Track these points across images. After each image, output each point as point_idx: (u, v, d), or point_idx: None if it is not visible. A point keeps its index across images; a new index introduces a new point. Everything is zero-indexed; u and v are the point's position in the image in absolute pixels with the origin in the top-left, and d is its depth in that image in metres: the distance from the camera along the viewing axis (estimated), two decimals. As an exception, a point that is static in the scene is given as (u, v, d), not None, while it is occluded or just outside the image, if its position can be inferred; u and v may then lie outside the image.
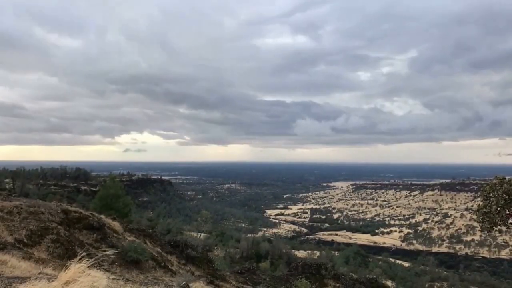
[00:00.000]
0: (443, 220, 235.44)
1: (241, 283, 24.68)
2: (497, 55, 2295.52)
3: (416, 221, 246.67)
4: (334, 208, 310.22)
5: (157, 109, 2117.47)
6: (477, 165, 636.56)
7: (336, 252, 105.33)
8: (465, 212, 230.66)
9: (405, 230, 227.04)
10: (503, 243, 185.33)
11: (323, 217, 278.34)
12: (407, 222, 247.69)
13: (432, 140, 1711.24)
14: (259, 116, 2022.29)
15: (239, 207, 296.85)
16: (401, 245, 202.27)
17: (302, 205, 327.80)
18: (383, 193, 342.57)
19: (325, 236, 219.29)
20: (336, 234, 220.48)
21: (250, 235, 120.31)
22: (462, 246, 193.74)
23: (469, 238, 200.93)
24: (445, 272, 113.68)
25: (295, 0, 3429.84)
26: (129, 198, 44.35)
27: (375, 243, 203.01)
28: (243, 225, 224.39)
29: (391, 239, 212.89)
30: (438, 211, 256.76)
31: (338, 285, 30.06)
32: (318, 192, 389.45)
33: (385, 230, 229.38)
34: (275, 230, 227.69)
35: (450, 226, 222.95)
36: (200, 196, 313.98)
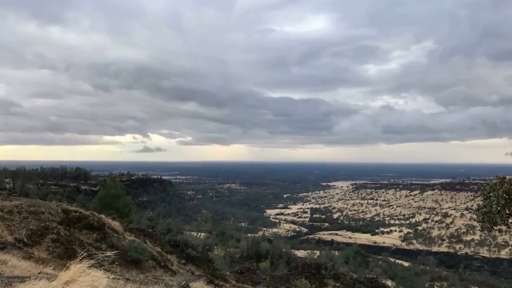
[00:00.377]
0: (443, 219, 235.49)
1: (241, 282, 24.69)
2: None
3: (416, 220, 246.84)
4: (334, 208, 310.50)
5: (158, 106, 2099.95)
6: (484, 165, 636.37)
7: (336, 252, 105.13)
8: (465, 212, 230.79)
9: (405, 230, 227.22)
10: (503, 243, 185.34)
11: (323, 216, 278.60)
12: (407, 222, 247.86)
13: (439, 140, 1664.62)
14: (263, 115, 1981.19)
15: (239, 206, 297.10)
16: (401, 244, 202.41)
17: (302, 204, 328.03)
18: (383, 192, 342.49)
19: (325, 235, 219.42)
20: (336, 234, 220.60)
21: (250, 234, 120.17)
22: (462, 246, 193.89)
23: (469, 237, 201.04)
24: (445, 272, 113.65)
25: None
26: (129, 198, 44.37)
27: (375, 242, 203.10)
28: (243, 224, 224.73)
29: (391, 238, 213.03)
30: (438, 211, 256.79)
31: (338, 284, 30.07)
32: (318, 192, 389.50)
33: (385, 230, 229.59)
34: (275, 230, 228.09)
35: (450, 226, 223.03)
36: (200, 196, 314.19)
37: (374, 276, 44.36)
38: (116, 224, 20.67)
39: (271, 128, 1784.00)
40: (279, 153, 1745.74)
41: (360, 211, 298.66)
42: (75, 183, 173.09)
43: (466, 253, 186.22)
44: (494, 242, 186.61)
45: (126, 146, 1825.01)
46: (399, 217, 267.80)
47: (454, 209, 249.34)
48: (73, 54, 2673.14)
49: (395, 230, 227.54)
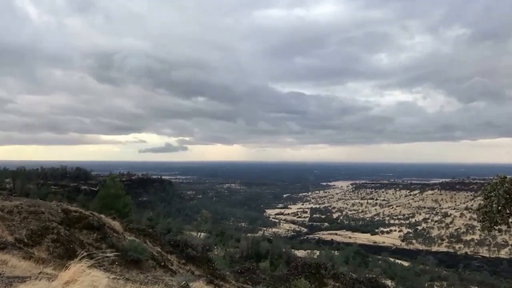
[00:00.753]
0: (443, 219, 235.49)
1: (241, 282, 24.68)
2: None
3: (415, 220, 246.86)
4: (333, 208, 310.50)
5: (159, 104, 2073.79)
6: (485, 165, 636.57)
7: (336, 252, 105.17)
8: (464, 212, 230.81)
9: (405, 230, 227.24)
10: (502, 243, 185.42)
11: (323, 216, 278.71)
12: (407, 222, 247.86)
13: (449, 139, 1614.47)
14: (261, 113, 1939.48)
15: (239, 206, 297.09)
16: (400, 244, 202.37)
17: (302, 204, 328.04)
18: (382, 192, 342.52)
19: (325, 235, 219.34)
20: (336, 234, 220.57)
21: (250, 234, 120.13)
22: (462, 246, 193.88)
23: (468, 237, 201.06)
24: (444, 272, 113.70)
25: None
26: (129, 198, 44.41)
27: (375, 242, 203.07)
28: (243, 224, 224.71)
29: (390, 238, 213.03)
30: (438, 211, 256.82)
31: (337, 284, 30.05)
32: (317, 192, 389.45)
33: (385, 230, 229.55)
34: (275, 230, 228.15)
35: (450, 226, 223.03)
36: (200, 196, 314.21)
37: (374, 276, 44.39)
38: (116, 224, 20.66)
39: (269, 128, 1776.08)
40: (278, 153, 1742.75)
41: (360, 211, 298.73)
42: (75, 183, 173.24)
43: (466, 252, 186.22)
44: (494, 242, 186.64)
45: (126, 145, 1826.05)
46: (399, 216, 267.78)
47: (454, 208, 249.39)
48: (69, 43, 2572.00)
49: (395, 230, 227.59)
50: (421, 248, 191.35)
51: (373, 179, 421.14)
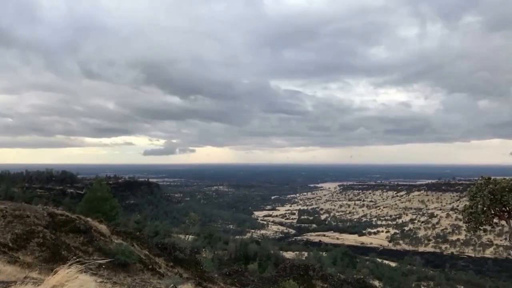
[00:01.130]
0: (429, 220, 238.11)
1: (229, 284, 24.63)
2: None
3: (402, 221, 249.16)
4: (321, 209, 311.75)
5: (146, 104, 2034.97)
6: (470, 166, 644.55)
7: (324, 253, 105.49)
8: (450, 212, 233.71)
9: (392, 230, 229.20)
10: (487, 242, 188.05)
11: (311, 218, 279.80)
12: (394, 223, 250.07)
13: (443, 141, 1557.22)
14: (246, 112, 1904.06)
15: (227, 209, 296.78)
16: (388, 245, 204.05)
17: (290, 206, 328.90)
18: (370, 193, 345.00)
19: (313, 237, 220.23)
20: (324, 235, 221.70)
21: (238, 236, 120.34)
22: (448, 246, 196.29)
23: (454, 237, 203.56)
24: (431, 272, 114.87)
25: None
26: (116, 201, 43.94)
27: (362, 243, 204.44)
28: (231, 226, 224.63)
29: (378, 239, 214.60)
30: (424, 211, 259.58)
31: (326, 285, 30.17)
32: (305, 193, 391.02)
33: (372, 231, 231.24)
34: (263, 232, 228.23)
35: (436, 226, 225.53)
36: (188, 198, 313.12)
37: (362, 276, 44.65)
38: (103, 227, 20.45)
39: (257, 129, 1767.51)
40: (266, 155, 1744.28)
41: (348, 212, 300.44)
42: (61, 186, 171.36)
43: (452, 252, 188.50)
44: (479, 242, 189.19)
45: (113, 148, 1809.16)
46: (386, 217, 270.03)
47: (440, 209, 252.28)
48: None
49: (382, 231, 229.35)
50: (408, 249, 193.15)
51: (360, 180, 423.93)
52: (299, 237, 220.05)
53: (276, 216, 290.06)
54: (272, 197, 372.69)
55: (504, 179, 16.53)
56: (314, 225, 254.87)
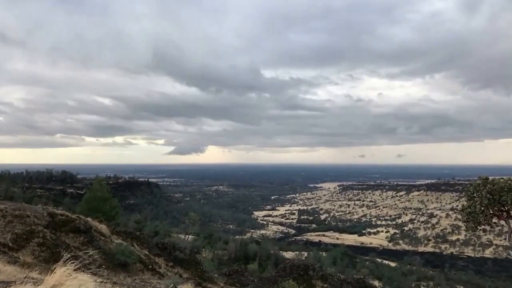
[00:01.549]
0: (429, 220, 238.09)
1: (229, 284, 24.65)
2: None
3: (402, 221, 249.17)
4: (321, 209, 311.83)
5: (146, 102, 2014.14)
6: (470, 166, 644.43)
7: (324, 253, 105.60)
8: (450, 212, 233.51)
9: (392, 230, 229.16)
10: (487, 242, 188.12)
11: (311, 218, 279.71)
12: (394, 223, 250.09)
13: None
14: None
15: (227, 209, 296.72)
16: (387, 245, 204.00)
17: (290, 206, 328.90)
18: (369, 193, 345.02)
19: (313, 237, 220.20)
20: (324, 235, 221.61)
21: (238, 236, 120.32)
22: (448, 246, 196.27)
23: (454, 237, 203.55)
24: (431, 272, 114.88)
25: None
26: (116, 201, 43.99)
27: (362, 243, 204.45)
28: (231, 226, 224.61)
29: (377, 239, 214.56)
30: (424, 211, 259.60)
31: (326, 285, 30.19)
32: (305, 193, 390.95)
33: (372, 231, 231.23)
34: (263, 232, 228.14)
35: (436, 226, 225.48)
36: (188, 198, 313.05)
37: (362, 276, 44.68)
38: (103, 227, 20.48)
39: (258, 130, 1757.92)
40: (266, 155, 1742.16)
41: (347, 212, 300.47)
42: (61, 186, 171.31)
43: (452, 252, 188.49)
44: (479, 242, 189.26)
45: (113, 148, 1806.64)
46: (386, 217, 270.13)
47: (440, 209, 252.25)
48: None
49: (382, 231, 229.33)
50: (407, 249, 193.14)
51: (360, 180, 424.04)
52: (299, 237, 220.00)
53: (276, 216, 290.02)
54: (272, 197, 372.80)
55: (502, 179, 16.60)
56: (314, 225, 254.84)
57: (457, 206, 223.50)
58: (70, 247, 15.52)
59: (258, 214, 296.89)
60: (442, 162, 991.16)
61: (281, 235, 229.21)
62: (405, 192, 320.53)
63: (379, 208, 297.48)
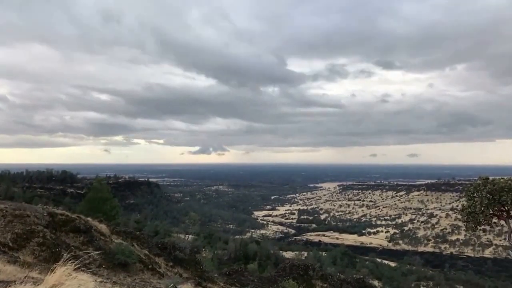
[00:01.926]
0: (429, 220, 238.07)
1: (229, 284, 24.66)
2: None
3: (402, 221, 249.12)
4: (321, 209, 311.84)
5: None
6: (470, 166, 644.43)
7: (324, 253, 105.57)
8: (450, 212, 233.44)
9: (392, 230, 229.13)
10: (487, 242, 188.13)
11: (311, 218, 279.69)
12: (393, 222, 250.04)
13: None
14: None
15: (227, 208, 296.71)
16: (387, 245, 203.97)
17: (290, 206, 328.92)
18: (369, 193, 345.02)
19: (313, 236, 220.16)
20: (324, 235, 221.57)
21: (238, 236, 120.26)
22: (447, 246, 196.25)
23: (454, 237, 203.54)
24: (430, 272, 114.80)
25: None
26: (116, 201, 44.02)
27: (362, 243, 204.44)
28: (231, 226, 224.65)
29: (377, 239, 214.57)
30: (424, 211, 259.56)
31: (325, 285, 30.20)
32: (305, 193, 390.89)
33: (372, 231, 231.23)
34: (263, 231, 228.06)
35: (436, 226, 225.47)
36: (188, 198, 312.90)
37: (361, 276, 44.67)
38: (103, 227, 20.48)
39: (257, 130, 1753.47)
40: (266, 155, 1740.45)
41: (347, 212, 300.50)
42: (61, 186, 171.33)
43: (451, 252, 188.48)
44: (479, 242, 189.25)
45: (113, 147, 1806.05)
46: (386, 217, 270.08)
47: (440, 209, 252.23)
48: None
49: (382, 231, 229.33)
50: (407, 249, 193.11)
51: (359, 180, 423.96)
52: (298, 237, 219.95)
53: (276, 216, 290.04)
54: (272, 197, 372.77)
55: (502, 179, 16.62)
56: (313, 225, 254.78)
57: (457, 206, 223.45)
58: (70, 246, 15.52)
59: (258, 214, 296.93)
60: (443, 162, 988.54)
61: (281, 235, 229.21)
62: (405, 192, 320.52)
63: (379, 208, 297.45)
